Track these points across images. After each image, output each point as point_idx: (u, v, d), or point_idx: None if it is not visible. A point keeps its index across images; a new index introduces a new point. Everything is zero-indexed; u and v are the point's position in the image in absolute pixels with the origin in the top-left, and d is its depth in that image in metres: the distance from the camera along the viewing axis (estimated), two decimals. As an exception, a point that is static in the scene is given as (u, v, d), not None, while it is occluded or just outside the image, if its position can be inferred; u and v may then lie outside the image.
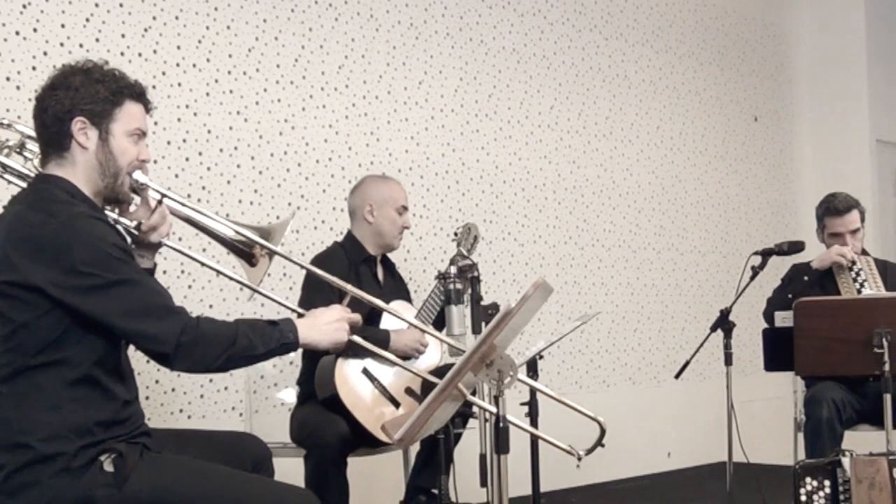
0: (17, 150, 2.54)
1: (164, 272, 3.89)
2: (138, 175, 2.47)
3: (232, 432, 2.85)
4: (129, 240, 2.45)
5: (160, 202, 2.51)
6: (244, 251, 2.57)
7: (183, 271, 4.07)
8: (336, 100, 4.73)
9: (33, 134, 2.49)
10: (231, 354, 2.35)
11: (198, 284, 4.14)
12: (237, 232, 2.58)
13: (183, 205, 2.57)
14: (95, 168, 2.40)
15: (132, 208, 2.53)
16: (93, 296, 2.24)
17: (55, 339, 2.26)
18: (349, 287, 2.67)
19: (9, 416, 2.26)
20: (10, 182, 2.53)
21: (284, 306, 2.63)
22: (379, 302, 2.86)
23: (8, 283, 2.25)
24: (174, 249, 2.65)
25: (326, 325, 2.49)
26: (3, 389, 2.28)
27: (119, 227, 2.46)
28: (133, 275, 2.31)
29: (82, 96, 2.37)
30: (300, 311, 2.57)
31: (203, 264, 2.68)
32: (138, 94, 2.47)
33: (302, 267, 2.84)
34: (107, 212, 2.48)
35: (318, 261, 3.76)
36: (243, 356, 2.39)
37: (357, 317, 2.59)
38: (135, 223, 2.51)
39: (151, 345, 2.31)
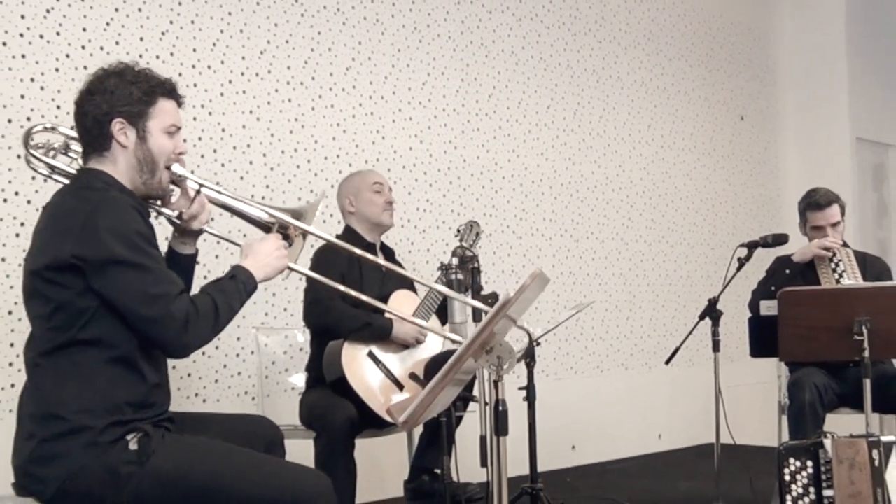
0: (63, 151, 2.54)
1: (201, 263, 3.87)
2: (176, 167, 2.48)
3: (246, 415, 2.84)
4: (155, 231, 2.44)
5: (198, 192, 2.51)
6: (280, 232, 2.59)
7: (217, 255, 4.06)
8: (344, 100, 4.72)
9: (76, 135, 2.49)
10: (218, 326, 2.37)
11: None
12: (271, 215, 2.59)
13: (220, 192, 2.58)
14: (135, 165, 2.41)
15: (173, 199, 2.54)
16: (102, 274, 2.23)
17: (90, 318, 2.26)
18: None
19: (46, 388, 2.28)
20: (57, 181, 2.53)
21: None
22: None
23: (47, 268, 2.26)
24: (214, 236, 2.70)
25: (268, 258, 2.49)
26: (44, 363, 2.30)
27: (152, 218, 2.46)
28: (148, 262, 2.28)
29: (118, 98, 2.38)
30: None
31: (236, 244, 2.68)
32: (170, 90, 2.47)
33: (329, 242, 2.85)
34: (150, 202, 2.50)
35: (321, 252, 3.78)
36: (227, 321, 2.40)
37: (285, 242, 2.58)
38: (176, 213, 2.53)
39: (156, 330, 2.28)
